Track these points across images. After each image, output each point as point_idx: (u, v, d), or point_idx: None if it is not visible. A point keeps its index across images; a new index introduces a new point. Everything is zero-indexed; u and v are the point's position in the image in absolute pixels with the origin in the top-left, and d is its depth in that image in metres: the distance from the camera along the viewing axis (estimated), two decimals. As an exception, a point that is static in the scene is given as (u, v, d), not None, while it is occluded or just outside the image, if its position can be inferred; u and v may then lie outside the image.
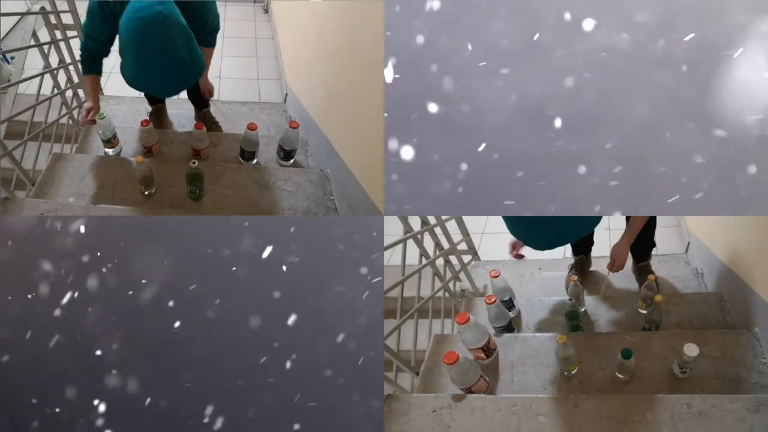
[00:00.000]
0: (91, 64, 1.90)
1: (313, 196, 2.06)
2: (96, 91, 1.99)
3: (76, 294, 1.15)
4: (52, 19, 2.39)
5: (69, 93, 2.47)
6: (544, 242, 1.62)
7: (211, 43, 2.05)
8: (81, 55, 1.90)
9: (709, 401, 1.35)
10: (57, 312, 1.15)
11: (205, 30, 1.92)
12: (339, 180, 2.00)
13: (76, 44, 2.35)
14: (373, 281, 1.16)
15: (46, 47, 2.33)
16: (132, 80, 1.67)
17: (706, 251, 2.26)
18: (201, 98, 2.47)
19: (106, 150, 2.19)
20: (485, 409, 1.45)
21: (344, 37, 1.81)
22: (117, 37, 1.69)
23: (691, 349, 1.47)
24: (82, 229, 1.16)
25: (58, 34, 2.43)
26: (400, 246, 1.80)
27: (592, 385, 1.62)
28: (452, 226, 2.37)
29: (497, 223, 2.92)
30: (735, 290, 1.90)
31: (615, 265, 1.88)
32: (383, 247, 1.18)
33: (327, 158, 2.12)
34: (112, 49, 1.86)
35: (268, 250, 1.17)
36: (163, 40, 1.53)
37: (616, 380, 1.60)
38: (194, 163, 1.85)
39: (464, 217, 2.48)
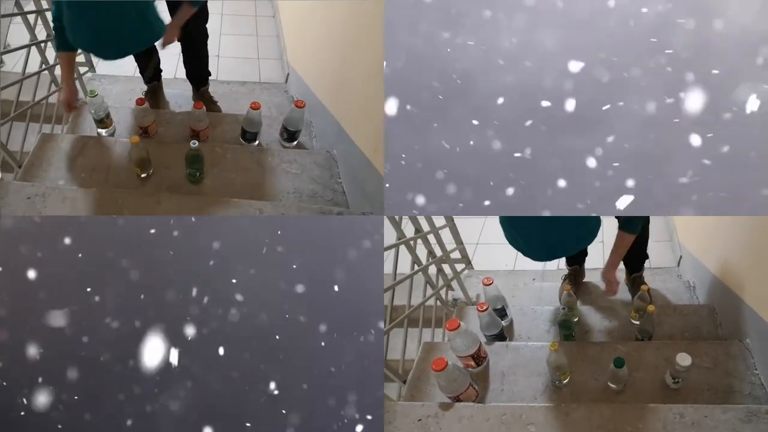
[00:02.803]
0: (63, 37, 1.64)
1: (319, 178, 1.93)
2: (70, 73, 1.80)
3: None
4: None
5: (58, 69, 2.17)
6: (546, 253, 1.60)
7: (194, 3, 1.87)
8: (53, 26, 1.71)
9: (702, 411, 1.34)
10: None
11: None
12: (348, 162, 1.88)
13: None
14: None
15: (32, 18, 2.09)
16: (72, 38, 1.50)
17: (697, 264, 2.26)
18: (200, 76, 2.32)
19: (99, 130, 2.03)
20: (473, 417, 1.42)
21: (353, 12, 1.71)
22: None
23: (683, 359, 1.46)
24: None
25: (45, 4, 2.15)
26: (391, 252, 1.78)
27: (584, 395, 1.59)
28: (446, 235, 2.35)
29: (492, 233, 2.93)
30: (726, 302, 1.90)
31: (610, 288, 1.84)
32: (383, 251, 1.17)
33: (335, 139, 1.98)
34: None
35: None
36: None
37: (608, 390, 1.58)
38: (194, 144, 1.72)
39: (459, 227, 2.46)
